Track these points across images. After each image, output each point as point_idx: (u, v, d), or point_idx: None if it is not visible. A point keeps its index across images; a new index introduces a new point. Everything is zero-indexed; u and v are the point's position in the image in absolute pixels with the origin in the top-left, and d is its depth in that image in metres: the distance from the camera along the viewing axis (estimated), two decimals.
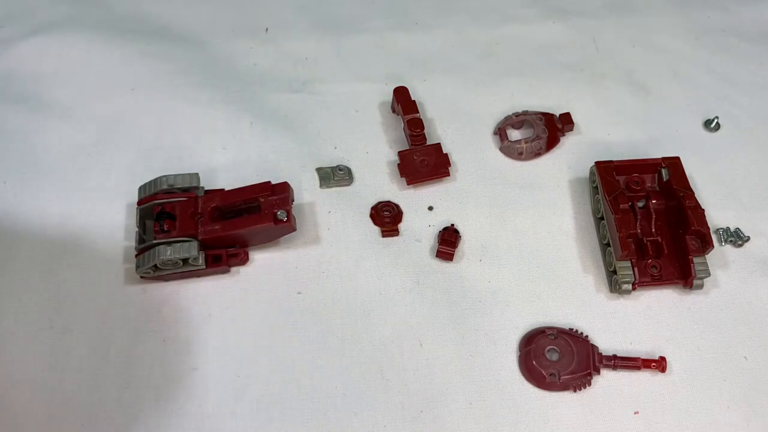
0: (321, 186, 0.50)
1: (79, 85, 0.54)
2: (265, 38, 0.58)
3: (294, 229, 0.44)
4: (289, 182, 0.45)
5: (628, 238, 0.44)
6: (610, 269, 0.46)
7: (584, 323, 0.45)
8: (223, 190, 0.46)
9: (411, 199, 0.49)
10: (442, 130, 0.53)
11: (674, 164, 0.47)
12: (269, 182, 0.44)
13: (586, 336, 0.44)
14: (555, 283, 0.46)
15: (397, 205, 0.49)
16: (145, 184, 0.46)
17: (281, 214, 0.43)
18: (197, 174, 0.46)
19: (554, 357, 0.43)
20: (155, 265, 0.42)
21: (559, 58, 0.58)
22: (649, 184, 0.48)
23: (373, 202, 0.49)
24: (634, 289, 0.45)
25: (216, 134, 0.51)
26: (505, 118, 0.53)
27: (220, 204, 0.44)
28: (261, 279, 0.45)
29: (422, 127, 0.50)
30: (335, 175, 0.49)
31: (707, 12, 0.62)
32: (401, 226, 0.48)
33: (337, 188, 0.50)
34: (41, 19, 0.57)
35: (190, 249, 0.42)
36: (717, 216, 0.49)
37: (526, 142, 0.51)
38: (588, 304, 0.45)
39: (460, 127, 0.53)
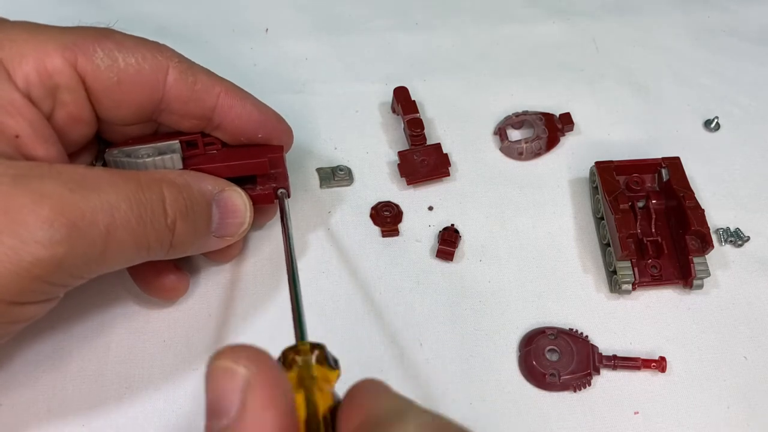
0: (321, 186, 0.50)
1: None
2: (265, 38, 0.58)
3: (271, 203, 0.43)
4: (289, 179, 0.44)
5: (628, 238, 0.44)
6: (610, 269, 0.46)
7: (584, 323, 0.45)
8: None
9: (411, 199, 0.49)
10: (442, 130, 0.53)
11: (674, 164, 0.47)
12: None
13: (586, 336, 0.44)
14: (555, 283, 0.46)
15: (397, 205, 0.49)
16: None
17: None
18: None
19: (554, 357, 0.43)
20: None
21: (559, 58, 0.58)
22: (649, 184, 0.48)
23: (373, 202, 0.49)
24: (634, 289, 0.45)
25: None
26: (505, 118, 0.53)
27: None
28: (261, 279, 0.45)
29: (422, 127, 0.50)
30: (335, 175, 0.49)
31: (707, 12, 0.62)
32: (401, 226, 0.48)
33: (337, 188, 0.50)
34: (42, 21, 0.57)
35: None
36: (717, 216, 0.49)
37: (526, 142, 0.51)
38: (588, 304, 0.45)
39: (460, 127, 0.53)
